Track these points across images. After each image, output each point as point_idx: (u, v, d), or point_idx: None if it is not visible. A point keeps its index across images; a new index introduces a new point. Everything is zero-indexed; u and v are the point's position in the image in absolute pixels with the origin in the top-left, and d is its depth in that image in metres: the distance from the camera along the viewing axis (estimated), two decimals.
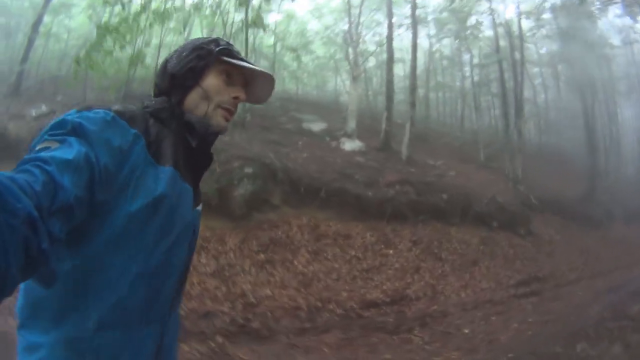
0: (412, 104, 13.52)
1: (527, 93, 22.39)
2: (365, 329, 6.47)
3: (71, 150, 0.85)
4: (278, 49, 17.55)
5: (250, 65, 1.25)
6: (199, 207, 1.29)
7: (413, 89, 13.50)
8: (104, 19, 11.15)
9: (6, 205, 0.60)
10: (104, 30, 9.76)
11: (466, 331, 6.42)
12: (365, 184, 10.70)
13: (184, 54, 1.22)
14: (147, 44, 12.00)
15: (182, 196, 1.14)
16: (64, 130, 0.91)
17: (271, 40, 17.16)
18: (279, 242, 9.09)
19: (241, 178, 9.27)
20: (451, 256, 9.84)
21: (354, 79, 15.12)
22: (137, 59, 11.11)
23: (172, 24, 16.25)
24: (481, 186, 13.31)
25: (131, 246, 1.01)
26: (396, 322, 6.80)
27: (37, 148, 0.86)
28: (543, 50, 21.97)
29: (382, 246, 9.61)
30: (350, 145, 12.95)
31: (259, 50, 16.92)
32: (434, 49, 20.85)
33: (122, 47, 10.15)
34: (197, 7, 11.81)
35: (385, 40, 15.30)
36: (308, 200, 10.18)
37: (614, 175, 21.56)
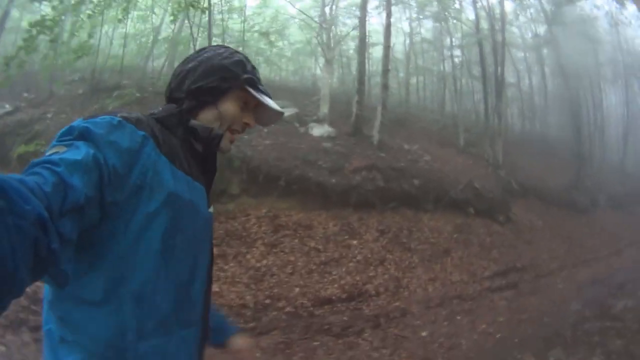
0: (385, 86, 12.36)
1: (511, 78, 21.36)
2: (309, 331, 5.51)
3: (79, 152, 0.83)
4: (252, 33, 16.41)
5: (271, 103, 1.24)
6: (211, 209, 1.21)
7: (385, 70, 12.29)
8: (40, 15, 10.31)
9: (14, 207, 0.58)
10: (37, 27, 8.83)
11: (424, 334, 5.39)
12: (330, 171, 9.61)
13: (208, 71, 1.16)
14: (91, 36, 10.96)
15: (197, 195, 1.09)
16: (71, 136, 0.88)
17: (240, 25, 16.01)
18: (234, 234, 8.08)
19: None
20: (421, 246, 8.78)
21: (327, 62, 14.01)
22: (81, 51, 10.07)
23: (136, 12, 15.34)
24: (458, 171, 12.24)
25: (153, 249, 0.96)
26: (347, 323, 5.81)
27: (47, 154, 0.83)
28: (528, 35, 20.79)
29: (346, 236, 8.53)
30: (318, 130, 11.78)
31: (230, 34, 15.83)
32: (414, 31, 19.73)
33: (52, 42, 9.25)
34: None
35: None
36: (269, 189, 9.11)
37: (598, 162, 20.49)
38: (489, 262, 8.90)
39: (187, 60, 1.23)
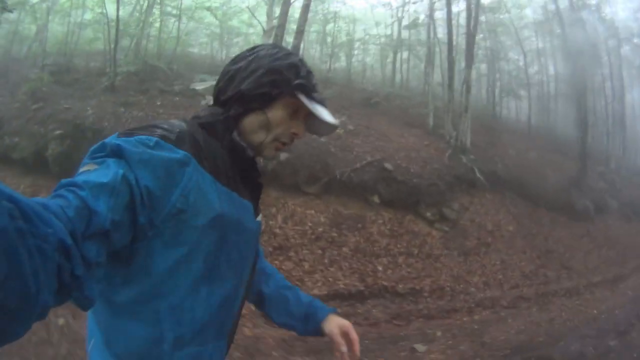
0: (295, 49, 8.17)
1: (519, 61, 16.04)
2: None
3: (108, 173, 0.67)
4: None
5: (323, 115, 0.92)
6: (259, 218, 0.99)
7: (300, 32, 8.11)
8: None
9: (36, 231, 0.49)
10: None
11: None
12: None
13: (259, 72, 0.90)
14: None
15: (243, 211, 0.89)
16: (104, 152, 0.73)
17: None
18: None
19: (51, 139, 6.96)
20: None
21: (265, 33, 10.10)
22: None
23: None
24: (387, 151, 7.90)
25: (197, 268, 0.79)
26: None
27: (79, 171, 0.70)
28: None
29: None
30: None
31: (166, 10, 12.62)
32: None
33: None
34: None
35: None
36: None
37: (617, 162, 14.64)
38: (343, 276, 4.72)
39: (236, 59, 0.96)
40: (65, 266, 0.53)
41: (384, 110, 11.82)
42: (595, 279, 7.80)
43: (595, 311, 5.78)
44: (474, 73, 14.90)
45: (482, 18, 15.10)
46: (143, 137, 0.75)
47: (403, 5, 15.40)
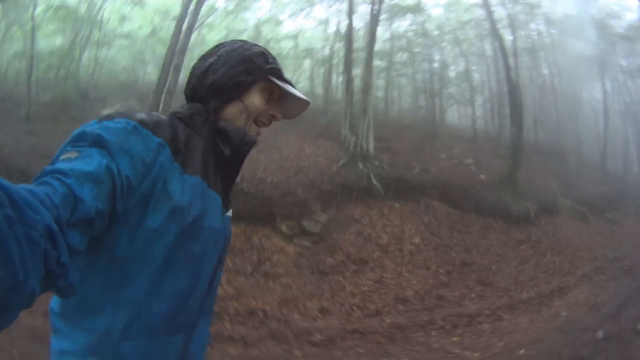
0: (176, 68, 7.62)
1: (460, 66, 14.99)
2: None
3: (91, 162, 0.66)
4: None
5: (296, 93, 0.96)
6: (229, 213, 0.99)
7: (173, 48, 7.50)
8: None
9: (24, 218, 0.48)
10: None
11: None
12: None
13: (231, 63, 0.92)
14: None
15: (210, 205, 0.87)
16: (85, 142, 0.71)
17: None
18: None
19: None
20: None
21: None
22: None
23: None
24: (255, 163, 6.92)
25: (156, 258, 0.78)
26: None
27: (60, 159, 0.68)
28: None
29: None
30: None
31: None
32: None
33: None
34: None
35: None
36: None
37: (574, 159, 13.14)
38: None
39: (205, 56, 0.96)
40: (51, 253, 0.51)
41: (302, 123, 10.90)
42: (523, 296, 6.11)
43: (477, 354, 3.80)
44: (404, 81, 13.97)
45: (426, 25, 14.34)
46: (122, 120, 0.75)
47: (338, 24, 14.79)
